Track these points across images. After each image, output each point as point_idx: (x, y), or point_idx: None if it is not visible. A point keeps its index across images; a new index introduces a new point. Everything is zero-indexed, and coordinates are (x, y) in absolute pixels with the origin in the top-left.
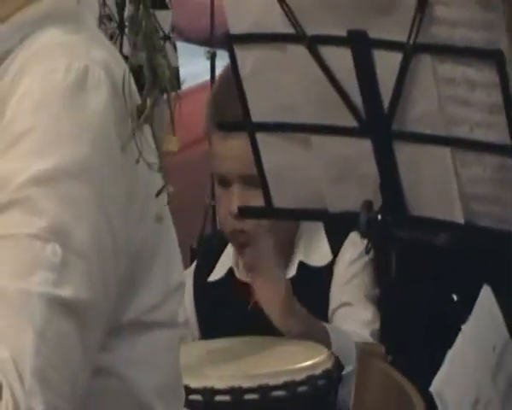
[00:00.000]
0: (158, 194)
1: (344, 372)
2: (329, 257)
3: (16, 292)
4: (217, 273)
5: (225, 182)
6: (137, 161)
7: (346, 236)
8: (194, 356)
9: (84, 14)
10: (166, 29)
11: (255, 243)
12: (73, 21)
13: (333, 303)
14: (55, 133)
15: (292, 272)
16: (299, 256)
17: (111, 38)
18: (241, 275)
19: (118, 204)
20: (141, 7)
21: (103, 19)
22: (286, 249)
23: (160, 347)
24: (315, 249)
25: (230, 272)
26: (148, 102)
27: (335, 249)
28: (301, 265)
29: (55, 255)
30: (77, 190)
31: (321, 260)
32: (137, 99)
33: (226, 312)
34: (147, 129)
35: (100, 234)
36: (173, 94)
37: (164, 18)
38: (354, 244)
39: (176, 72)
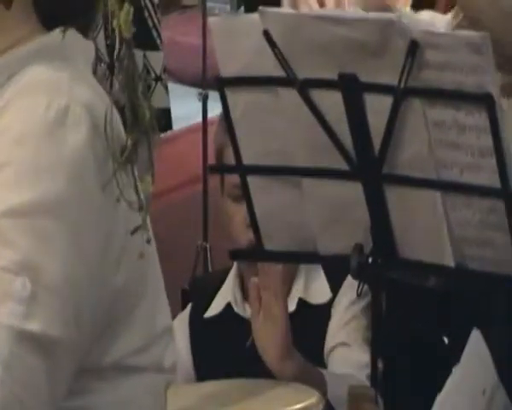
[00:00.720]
0: (133, 232)
1: None
2: (329, 295)
3: None
4: (214, 309)
5: (239, 197)
6: (118, 200)
7: (344, 275)
8: (185, 400)
9: (73, 52)
10: (158, 70)
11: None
12: (60, 59)
13: (330, 342)
14: (31, 168)
15: (291, 307)
16: (298, 293)
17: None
18: (239, 310)
19: (95, 242)
20: (123, 46)
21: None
22: (286, 285)
23: (145, 391)
24: (314, 287)
25: (228, 307)
26: (129, 142)
27: (334, 288)
28: (301, 301)
29: (24, 289)
30: (51, 226)
31: (320, 298)
32: (124, 139)
33: (224, 347)
34: (128, 170)
35: (73, 271)
36: (157, 136)
37: (155, 59)
38: (353, 286)
39: (167, 113)
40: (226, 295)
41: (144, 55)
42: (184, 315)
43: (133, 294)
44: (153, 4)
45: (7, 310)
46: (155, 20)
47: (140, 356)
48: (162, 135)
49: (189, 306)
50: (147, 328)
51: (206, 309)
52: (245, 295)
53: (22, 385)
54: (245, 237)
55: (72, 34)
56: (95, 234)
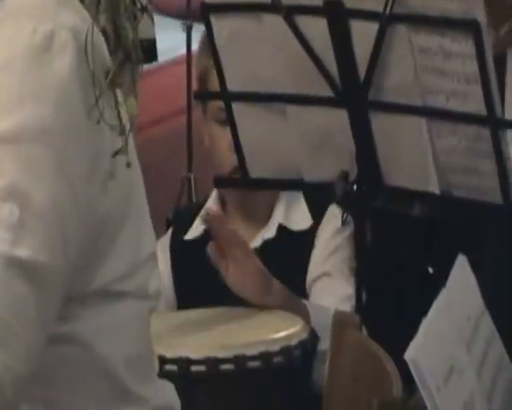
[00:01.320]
0: (114, 155)
1: (322, 348)
2: (310, 222)
3: None
4: (193, 232)
5: (224, 121)
6: (98, 122)
7: (325, 202)
8: (169, 326)
9: None
10: (144, 0)
11: None
12: None
13: (313, 273)
14: (17, 94)
15: (271, 233)
16: (278, 218)
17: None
18: None
19: (81, 168)
20: None
21: None
22: (265, 211)
23: (129, 317)
24: (295, 213)
25: (208, 231)
26: (113, 65)
27: (315, 215)
28: (281, 227)
29: (11, 215)
30: (37, 152)
31: (301, 224)
32: (108, 63)
33: (203, 271)
34: (110, 94)
35: (60, 197)
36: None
37: None
38: (336, 215)
39: (153, 43)
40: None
41: None
42: (165, 239)
43: (118, 219)
44: None
45: None
46: None
47: (125, 282)
48: (146, 67)
49: (170, 230)
50: (132, 253)
51: (185, 233)
52: (226, 213)
53: (11, 310)
54: (229, 162)
55: None
56: (80, 159)
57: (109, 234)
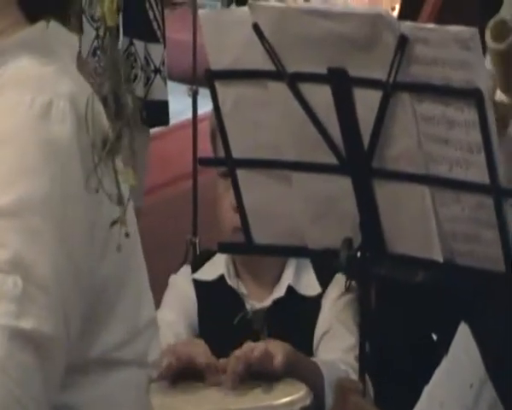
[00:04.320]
0: (112, 224)
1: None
2: (318, 289)
3: None
4: (205, 275)
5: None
6: (97, 191)
7: (333, 271)
8: (171, 395)
9: (57, 45)
10: (157, 63)
11: None
12: (45, 52)
13: (318, 333)
14: (17, 167)
15: (280, 292)
16: (288, 279)
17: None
18: (232, 283)
19: (80, 238)
20: (107, 35)
21: (96, 50)
22: (275, 272)
23: (127, 386)
24: (304, 278)
25: (221, 278)
26: (111, 133)
27: (323, 283)
28: (290, 288)
29: (16, 287)
30: (38, 224)
31: (309, 291)
32: (106, 132)
33: (214, 316)
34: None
35: (61, 267)
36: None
37: (156, 51)
38: (341, 280)
39: (165, 105)
40: (219, 265)
41: (145, 47)
42: (185, 272)
43: (116, 286)
44: None
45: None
46: (156, 13)
47: (124, 350)
48: (153, 131)
49: (188, 266)
50: (130, 321)
51: (194, 270)
52: (237, 271)
53: (18, 384)
54: (230, 221)
55: (56, 27)
56: (80, 228)
57: (108, 301)
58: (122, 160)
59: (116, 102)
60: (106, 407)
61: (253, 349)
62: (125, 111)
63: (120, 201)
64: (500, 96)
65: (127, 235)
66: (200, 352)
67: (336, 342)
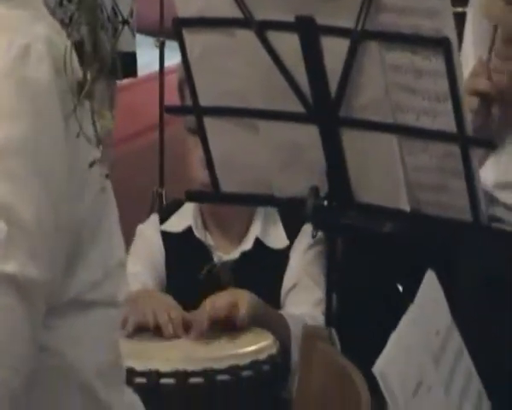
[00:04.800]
0: (91, 165)
1: (293, 360)
2: (286, 242)
3: None
4: (173, 227)
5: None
6: (78, 135)
7: (300, 223)
8: (140, 340)
9: None
10: (125, 14)
11: None
12: None
13: (287, 285)
14: None
15: (248, 245)
16: (255, 231)
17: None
18: (199, 234)
19: (59, 179)
20: None
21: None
22: (243, 225)
23: (101, 326)
24: (271, 231)
25: (188, 230)
26: (89, 77)
27: (291, 235)
28: (258, 241)
29: (0, 231)
30: (19, 167)
31: (277, 243)
32: (79, 75)
33: (182, 267)
34: (86, 106)
35: (43, 210)
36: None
37: (124, 2)
38: (309, 233)
39: (133, 57)
40: (187, 217)
41: None
42: (153, 222)
43: (91, 230)
44: None
45: None
46: None
47: (96, 291)
48: (119, 83)
49: (156, 216)
50: (103, 262)
51: (162, 221)
52: (204, 223)
53: (4, 328)
54: (200, 178)
55: None
56: (60, 170)
57: (83, 242)
58: (98, 103)
59: (94, 47)
60: (81, 348)
61: (217, 302)
62: (102, 54)
63: (99, 142)
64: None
65: (107, 176)
66: (162, 308)
67: (304, 296)
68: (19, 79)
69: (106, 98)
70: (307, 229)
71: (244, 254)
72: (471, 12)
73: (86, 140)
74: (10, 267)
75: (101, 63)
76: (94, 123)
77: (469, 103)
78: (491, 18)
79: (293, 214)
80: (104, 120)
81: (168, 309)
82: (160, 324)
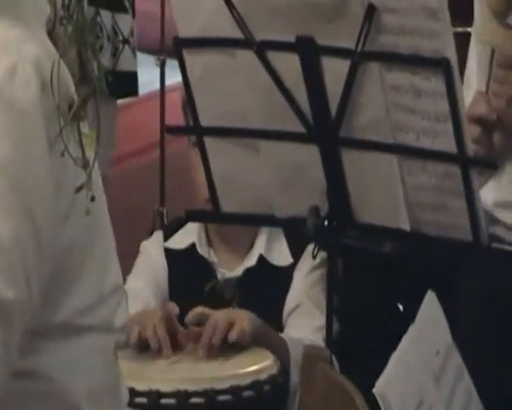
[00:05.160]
0: (78, 190)
1: (293, 380)
2: (290, 260)
3: None
4: (177, 244)
5: None
6: (62, 154)
7: (304, 242)
8: (140, 361)
9: (24, 9)
10: (126, 33)
11: None
12: (11, 16)
13: (289, 306)
14: None
15: (252, 262)
16: (259, 249)
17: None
18: (203, 251)
19: (42, 201)
20: (73, 0)
21: (62, 20)
22: (247, 242)
23: (92, 351)
24: (275, 249)
25: (192, 247)
26: (77, 98)
27: (295, 254)
28: (261, 258)
29: None
30: None
31: (281, 261)
32: (72, 96)
33: (185, 284)
34: (74, 128)
35: (22, 230)
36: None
37: (124, 22)
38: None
39: (134, 76)
40: (191, 234)
41: (113, 17)
42: (157, 239)
43: (81, 251)
44: None
45: None
46: None
47: (88, 316)
48: (120, 102)
49: (159, 233)
50: (96, 287)
51: (166, 238)
52: (208, 240)
53: None
54: (204, 193)
55: None
56: (42, 191)
57: (73, 265)
58: (88, 125)
59: (81, 67)
60: (71, 373)
61: (218, 323)
62: (90, 77)
63: (86, 164)
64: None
65: (93, 199)
66: (149, 322)
67: (306, 320)
68: (4, 100)
69: (97, 119)
70: (311, 249)
71: (248, 271)
72: (474, 32)
73: (73, 161)
74: None
75: (89, 85)
76: (81, 145)
77: (470, 132)
78: (485, 42)
79: (296, 232)
80: (90, 140)
81: (155, 323)
82: (146, 337)
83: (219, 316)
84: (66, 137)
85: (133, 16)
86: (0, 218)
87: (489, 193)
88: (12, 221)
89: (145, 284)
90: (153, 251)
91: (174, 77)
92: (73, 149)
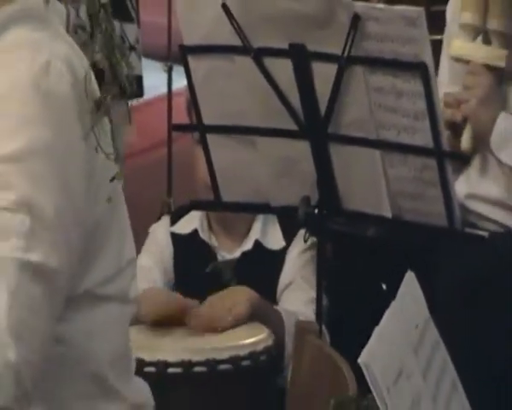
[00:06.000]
0: (112, 179)
1: (287, 351)
2: (282, 243)
3: None
4: (181, 229)
5: None
6: (96, 150)
7: (296, 227)
8: (147, 334)
9: (50, 15)
10: (132, 41)
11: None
12: (40, 21)
13: (282, 283)
14: (21, 118)
15: (248, 246)
16: (255, 234)
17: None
18: (204, 236)
19: (78, 183)
20: (102, 11)
21: (77, 28)
22: (244, 228)
23: (113, 319)
24: (270, 234)
25: (195, 232)
26: (107, 96)
27: (288, 238)
28: (257, 243)
29: (23, 225)
30: (42, 169)
31: (275, 245)
32: (96, 94)
33: (188, 266)
34: (106, 123)
35: (62, 209)
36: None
37: (130, 30)
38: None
39: (140, 80)
40: (193, 221)
41: (121, 26)
42: (164, 224)
43: (104, 229)
44: None
45: (10, 244)
46: None
47: (109, 286)
48: (131, 102)
49: (167, 218)
50: (115, 260)
51: (173, 223)
52: (210, 226)
53: (26, 309)
54: (204, 180)
55: None
56: (78, 175)
57: (97, 241)
58: (118, 120)
59: (112, 69)
60: (95, 338)
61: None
62: (121, 78)
63: (118, 158)
64: None
65: (123, 187)
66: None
67: (297, 295)
68: (41, 91)
69: (125, 115)
70: (302, 234)
71: (244, 254)
72: (446, 40)
73: (104, 155)
74: (33, 257)
75: (120, 83)
76: (113, 139)
77: None
78: (456, 56)
79: (289, 219)
80: (124, 133)
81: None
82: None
83: (221, 303)
84: (98, 132)
85: (138, 26)
86: (44, 197)
87: (460, 187)
88: (54, 201)
89: (153, 262)
90: (160, 234)
91: (180, 81)
92: (104, 144)
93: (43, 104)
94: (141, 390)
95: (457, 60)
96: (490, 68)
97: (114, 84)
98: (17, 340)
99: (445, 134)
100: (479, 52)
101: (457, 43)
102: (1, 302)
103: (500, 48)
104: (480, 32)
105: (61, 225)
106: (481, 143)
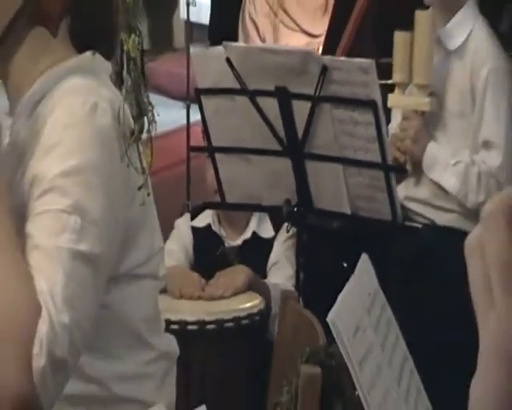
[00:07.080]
0: (139, 188)
1: (273, 312)
2: (272, 233)
3: (52, 247)
4: (199, 223)
5: None
6: (128, 166)
7: (282, 221)
8: (173, 300)
9: (97, 67)
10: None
11: None
12: (89, 72)
13: (270, 263)
14: (76, 143)
15: (247, 235)
16: (253, 226)
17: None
18: (215, 228)
19: (118, 191)
20: (131, 63)
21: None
22: (244, 222)
23: (146, 291)
24: (263, 226)
25: (208, 225)
26: (136, 127)
27: (276, 229)
28: (254, 233)
29: (76, 223)
30: (93, 181)
31: (266, 234)
32: (132, 125)
33: (204, 250)
34: (135, 147)
35: (107, 211)
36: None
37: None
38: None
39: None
40: (207, 217)
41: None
42: (186, 219)
43: (138, 225)
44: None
45: (65, 238)
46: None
47: (143, 267)
48: (156, 133)
49: (188, 215)
50: (148, 247)
51: (193, 218)
52: (219, 220)
53: (78, 285)
54: (213, 186)
55: (98, 56)
56: (119, 186)
57: (133, 234)
58: (142, 144)
59: (138, 108)
60: (132, 305)
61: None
62: (145, 113)
63: (143, 171)
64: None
65: (148, 194)
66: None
67: (281, 272)
68: (91, 126)
69: (147, 141)
70: (285, 226)
71: (245, 242)
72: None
73: (134, 170)
74: (83, 247)
75: (145, 118)
76: (140, 158)
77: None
78: (393, 106)
79: (276, 215)
80: (145, 154)
81: (188, 286)
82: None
83: (226, 278)
84: (130, 153)
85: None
86: (92, 202)
87: (401, 191)
88: (101, 205)
89: (178, 247)
90: (183, 227)
91: (196, 115)
92: (134, 161)
93: (94, 135)
94: (169, 342)
95: (394, 108)
96: (418, 113)
97: (141, 118)
98: (70, 309)
99: (390, 152)
100: (409, 102)
101: (393, 97)
102: (58, 281)
103: (425, 96)
104: (408, 86)
105: (104, 223)
106: (417, 166)
